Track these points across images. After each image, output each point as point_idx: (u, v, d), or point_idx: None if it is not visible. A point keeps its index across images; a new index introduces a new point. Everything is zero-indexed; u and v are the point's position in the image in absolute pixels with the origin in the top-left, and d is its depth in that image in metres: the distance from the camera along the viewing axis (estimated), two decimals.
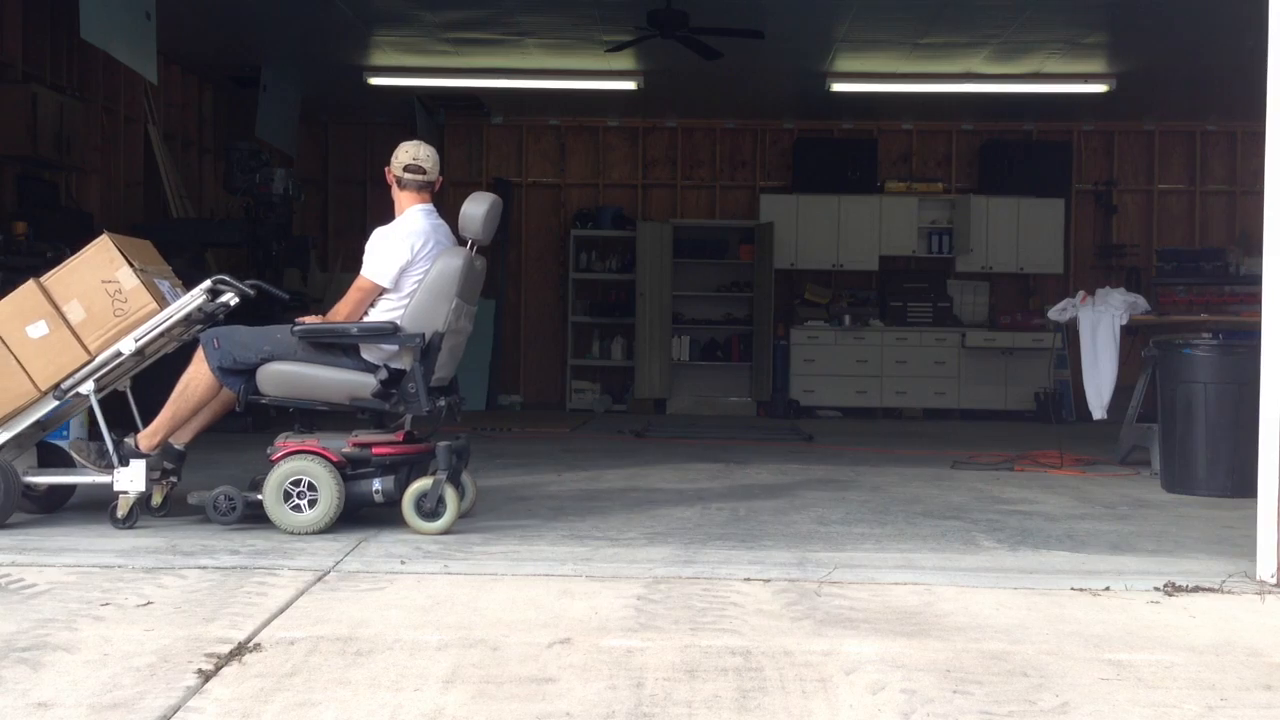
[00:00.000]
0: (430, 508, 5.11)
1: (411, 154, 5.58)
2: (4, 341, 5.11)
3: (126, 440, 5.23)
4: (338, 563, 4.50)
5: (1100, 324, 7.85)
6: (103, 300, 5.16)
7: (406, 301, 5.32)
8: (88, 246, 5.27)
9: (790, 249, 13.36)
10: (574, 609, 3.87)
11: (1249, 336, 6.26)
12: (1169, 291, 12.26)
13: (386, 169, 5.65)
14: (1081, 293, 8.23)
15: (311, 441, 5.20)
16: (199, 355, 5.33)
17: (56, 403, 5.16)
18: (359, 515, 5.53)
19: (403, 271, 5.35)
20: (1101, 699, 3.05)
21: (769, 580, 4.31)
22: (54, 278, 5.22)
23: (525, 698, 3.00)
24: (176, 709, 2.89)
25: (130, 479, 5.12)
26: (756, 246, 13.45)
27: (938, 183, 13.74)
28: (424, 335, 5.22)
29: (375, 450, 5.20)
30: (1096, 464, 8.04)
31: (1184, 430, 6.84)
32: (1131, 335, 8.16)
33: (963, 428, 11.88)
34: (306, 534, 5.04)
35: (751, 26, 9.40)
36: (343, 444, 5.20)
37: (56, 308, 5.15)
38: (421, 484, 5.15)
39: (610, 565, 4.55)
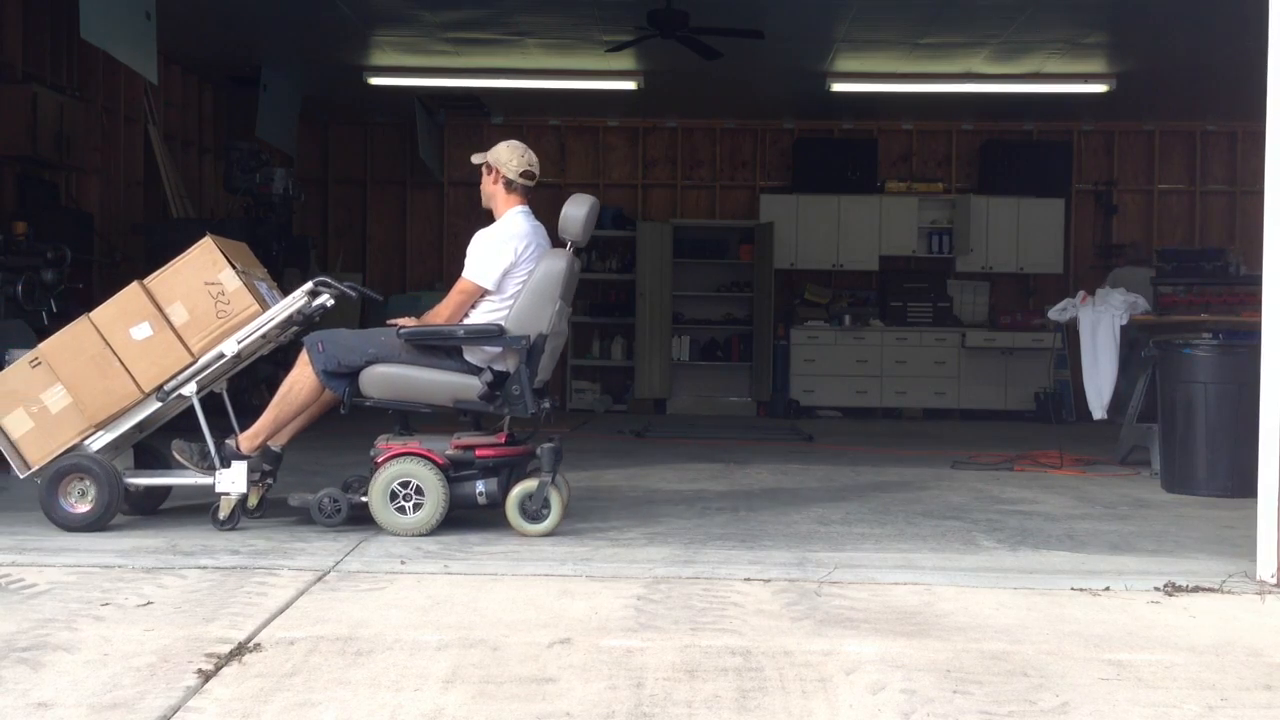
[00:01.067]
0: (536, 509, 5.14)
1: (526, 160, 5.60)
2: (108, 343, 5.11)
3: (227, 442, 5.23)
4: (338, 563, 4.50)
5: (1100, 324, 7.86)
6: (205, 302, 5.16)
7: (510, 303, 5.33)
8: (191, 248, 5.25)
9: (790, 249, 13.36)
10: (574, 609, 3.87)
11: (1249, 336, 6.27)
12: (1169, 292, 12.25)
13: (487, 167, 5.62)
14: (1081, 293, 8.23)
15: (416, 444, 5.20)
16: (303, 358, 5.32)
17: (159, 404, 5.16)
18: (361, 516, 5.54)
19: (506, 274, 5.36)
20: (1101, 699, 3.05)
21: (769, 580, 4.31)
22: (157, 279, 5.21)
23: (525, 698, 3.00)
24: (176, 709, 2.89)
25: (232, 480, 5.13)
26: (756, 246, 13.45)
27: (938, 183, 13.74)
28: (529, 337, 5.24)
29: (478, 452, 5.21)
30: (1096, 464, 8.04)
31: (1184, 430, 6.84)
32: (1131, 340, 8.16)
33: (963, 428, 11.88)
34: (413, 535, 5.04)
35: (751, 26, 9.40)
36: (445, 446, 5.21)
37: (160, 309, 5.15)
38: (526, 486, 5.16)
39: (610, 565, 4.55)
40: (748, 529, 5.39)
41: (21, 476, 5.16)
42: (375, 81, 11.84)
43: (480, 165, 5.65)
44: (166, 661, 3.23)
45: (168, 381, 5.12)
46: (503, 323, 5.27)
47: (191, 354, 5.14)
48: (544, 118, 13.95)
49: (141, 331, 5.12)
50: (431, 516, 5.08)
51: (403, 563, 4.52)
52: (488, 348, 5.28)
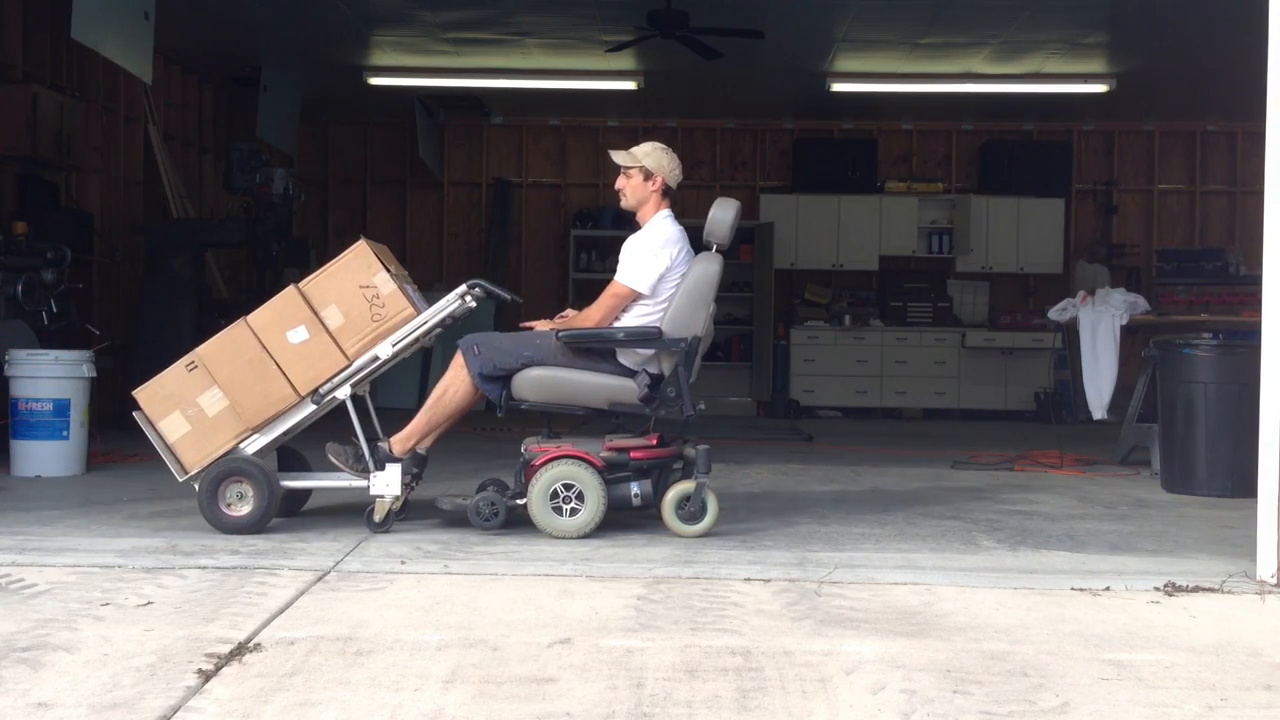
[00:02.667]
0: (693, 511, 5.16)
1: (678, 165, 5.63)
2: (265, 347, 5.11)
3: (380, 445, 5.23)
4: (338, 563, 4.50)
5: (1100, 324, 7.86)
6: (360, 305, 5.16)
7: (664, 307, 5.35)
8: (345, 252, 5.25)
9: (790, 249, 13.36)
10: (574, 609, 3.87)
11: (1249, 336, 6.27)
12: (1169, 291, 12.26)
13: (642, 171, 5.58)
14: (1081, 293, 8.23)
15: (570, 446, 5.21)
16: (458, 362, 5.33)
17: (314, 407, 5.16)
18: (361, 513, 5.54)
19: (661, 278, 5.38)
20: (1101, 699, 3.05)
21: (769, 580, 4.30)
22: (312, 283, 5.20)
23: (525, 698, 2.99)
24: (176, 709, 2.89)
25: (386, 483, 5.14)
26: (756, 246, 13.45)
27: (938, 183, 13.74)
28: (687, 339, 5.27)
29: (633, 454, 5.22)
30: (1096, 464, 8.04)
31: (1184, 430, 6.84)
32: (1131, 335, 8.16)
33: (962, 428, 11.88)
34: (571, 538, 5.05)
35: (751, 26, 9.40)
36: (599, 448, 5.22)
37: (315, 313, 5.15)
38: (683, 487, 5.18)
39: (610, 565, 4.55)
40: (748, 529, 5.39)
41: (180, 480, 5.16)
42: (375, 81, 11.83)
43: (625, 166, 5.64)
44: (166, 661, 3.23)
45: (323, 385, 5.13)
46: (657, 326, 5.30)
47: (347, 357, 5.14)
48: (544, 118, 13.95)
49: (298, 335, 5.12)
50: (592, 519, 5.10)
51: (403, 563, 4.52)
52: (640, 350, 5.32)
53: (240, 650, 3.33)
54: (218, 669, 3.17)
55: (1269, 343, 4.40)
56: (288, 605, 3.85)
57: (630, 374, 5.30)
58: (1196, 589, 4.23)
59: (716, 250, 5.44)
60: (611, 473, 5.16)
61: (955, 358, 13.11)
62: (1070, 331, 8.41)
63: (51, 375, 6.89)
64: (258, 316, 5.16)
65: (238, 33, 10.59)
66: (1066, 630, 3.69)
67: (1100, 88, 11.69)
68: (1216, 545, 5.11)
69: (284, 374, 5.10)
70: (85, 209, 9.75)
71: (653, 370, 5.30)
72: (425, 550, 4.77)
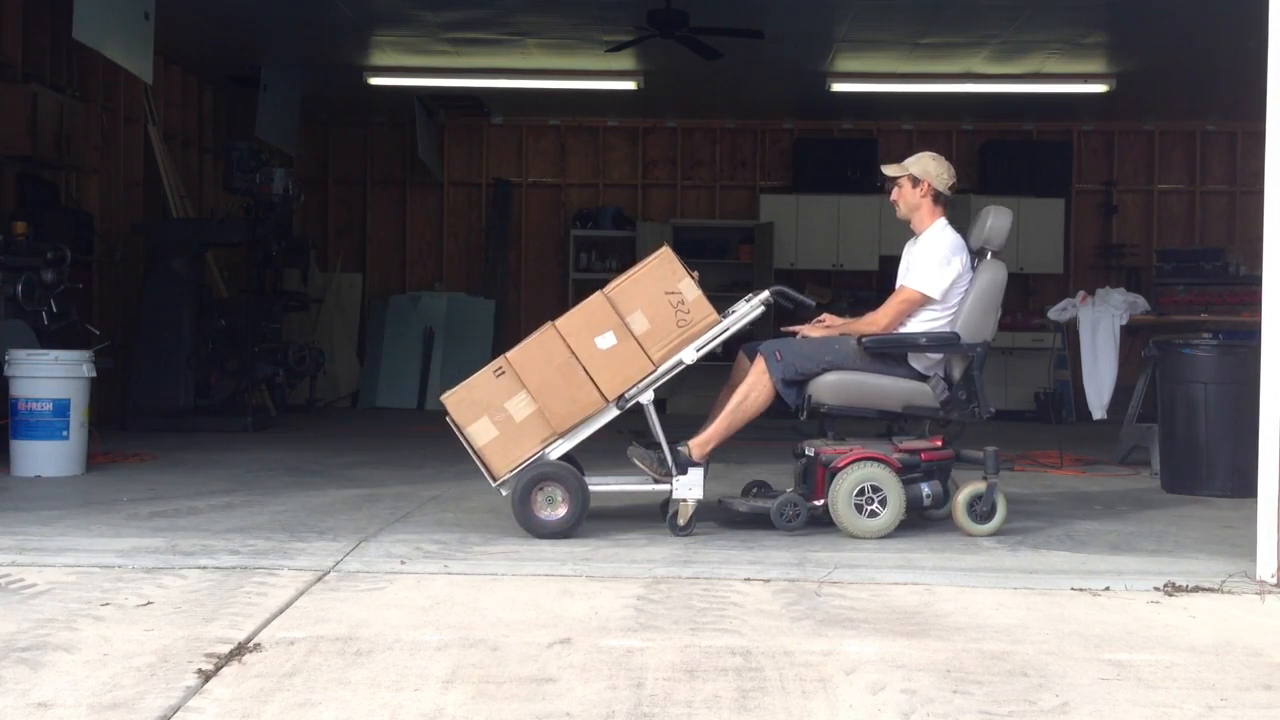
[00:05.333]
0: (984, 511, 5.25)
1: (952, 171, 5.72)
2: (574, 353, 5.14)
3: (679, 448, 5.26)
4: (338, 563, 4.50)
5: (1100, 324, 7.86)
6: (665, 311, 5.20)
7: (951, 313, 5.46)
8: (649, 258, 5.30)
9: (790, 249, 13.35)
10: (574, 609, 3.87)
11: (1249, 336, 6.27)
12: (1169, 291, 12.25)
13: (911, 179, 5.66)
14: (1081, 293, 8.23)
15: (861, 448, 5.28)
16: (759, 367, 5.35)
17: (616, 412, 5.19)
18: (361, 514, 5.55)
19: (953, 284, 5.47)
20: (1101, 699, 3.04)
21: (769, 580, 4.30)
22: (618, 289, 5.22)
23: (525, 698, 2.99)
24: (176, 709, 2.89)
25: (689, 487, 5.18)
26: (756, 246, 13.45)
27: None
28: (981, 344, 5.40)
29: (924, 456, 5.31)
30: (1096, 464, 8.04)
31: (1184, 430, 6.84)
32: (1131, 335, 8.16)
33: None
34: (874, 538, 5.12)
35: (751, 26, 9.40)
36: (889, 450, 5.30)
37: (622, 318, 5.18)
38: (974, 488, 5.28)
39: (610, 565, 4.55)
40: (747, 529, 5.39)
41: (492, 485, 5.18)
42: (375, 81, 11.84)
43: (896, 177, 5.72)
44: (166, 661, 3.23)
45: (629, 390, 5.16)
46: (949, 330, 5.42)
47: (652, 362, 5.18)
48: (544, 118, 13.95)
49: (606, 341, 5.16)
50: (895, 519, 5.17)
51: (403, 563, 4.52)
52: (931, 355, 5.42)
53: (240, 650, 3.33)
54: (218, 669, 3.17)
55: (1269, 343, 4.39)
56: (288, 605, 3.84)
57: (921, 378, 5.41)
58: (1196, 589, 4.22)
59: (993, 257, 5.55)
60: (905, 474, 5.25)
61: None
62: (1070, 331, 8.41)
63: (51, 375, 6.89)
64: (567, 322, 5.19)
65: (238, 33, 10.59)
66: (1066, 630, 3.68)
67: (1100, 88, 11.70)
68: (1216, 545, 5.10)
69: (592, 379, 5.14)
70: (85, 209, 9.75)
71: (939, 374, 5.43)
72: (425, 550, 4.77)
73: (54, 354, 6.98)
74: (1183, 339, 7.22)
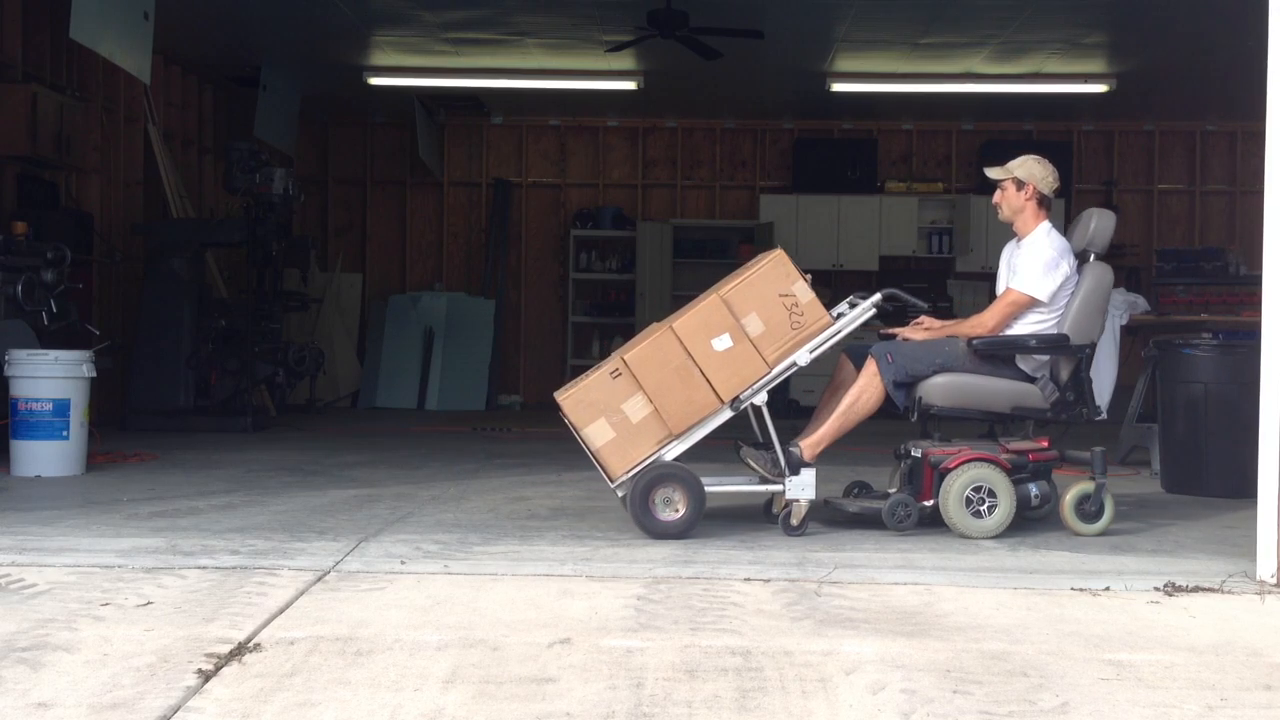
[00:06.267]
0: (1092, 510, 5.30)
1: (1055, 174, 5.80)
2: (690, 355, 5.16)
3: (791, 449, 5.28)
4: (338, 563, 4.50)
5: None
6: (780, 313, 5.23)
7: (1057, 315, 5.52)
8: (763, 261, 5.32)
9: (790, 249, 13.11)
10: (574, 609, 3.87)
11: (1249, 336, 6.27)
12: (1169, 291, 12.25)
13: (1016, 183, 5.79)
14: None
15: (969, 449, 5.31)
16: (870, 369, 5.41)
17: (730, 414, 5.21)
18: (361, 514, 5.55)
19: (1060, 287, 5.52)
20: (1101, 699, 3.04)
21: (769, 580, 4.30)
22: (733, 291, 5.25)
23: (525, 698, 2.99)
24: (176, 709, 2.89)
25: (802, 487, 5.22)
26: (756, 246, 13.42)
27: (938, 183, 13.74)
28: (1089, 346, 5.45)
29: (1031, 456, 5.35)
30: None
31: (1184, 430, 6.84)
32: (1131, 335, 8.16)
33: (963, 427, 11.84)
34: (986, 538, 5.17)
35: (751, 26, 9.40)
36: (998, 451, 5.34)
37: (737, 320, 5.20)
38: (1083, 488, 5.33)
39: (610, 565, 4.55)
40: (747, 529, 5.39)
41: (611, 487, 5.20)
42: (375, 81, 11.83)
43: (1000, 180, 5.83)
44: (166, 661, 3.23)
45: (743, 392, 5.18)
46: (1056, 332, 5.46)
47: (767, 364, 5.21)
48: (544, 118, 13.95)
49: (722, 343, 5.18)
50: (1005, 520, 5.22)
51: (403, 563, 4.52)
52: (1038, 356, 5.46)
53: (240, 650, 3.33)
54: (218, 669, 3.17)
55: (1269, 343, 4.39)
56: (288, 605, 3.85)
57: (1028, 379, 5.45)
58: (1196, 589, 4.23)
59: (1095, 259, 5.62)
60: (1014, 474, 5.29)
61: None
62: None
63: (51, 375, 6.89)
64: (684, 324, 5.21)
65: (238, 33, 10.59)
66: (1066, 630, 3.69)
67: (1100, 88, 11.69)
68: (1216, 545, 5.11)
69: (708, 381, 5.17)
70: (85, 209, 9.75)
71: (1045, 375, 5.46)
72: (425, 550, 4.77)
73: (54, 354, 6.98)
74: (1183, 339, 7.22)
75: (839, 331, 5.33)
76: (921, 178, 13.78)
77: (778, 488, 5.26)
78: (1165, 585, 4.25)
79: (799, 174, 13.67)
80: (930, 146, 14.01)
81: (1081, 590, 4.21)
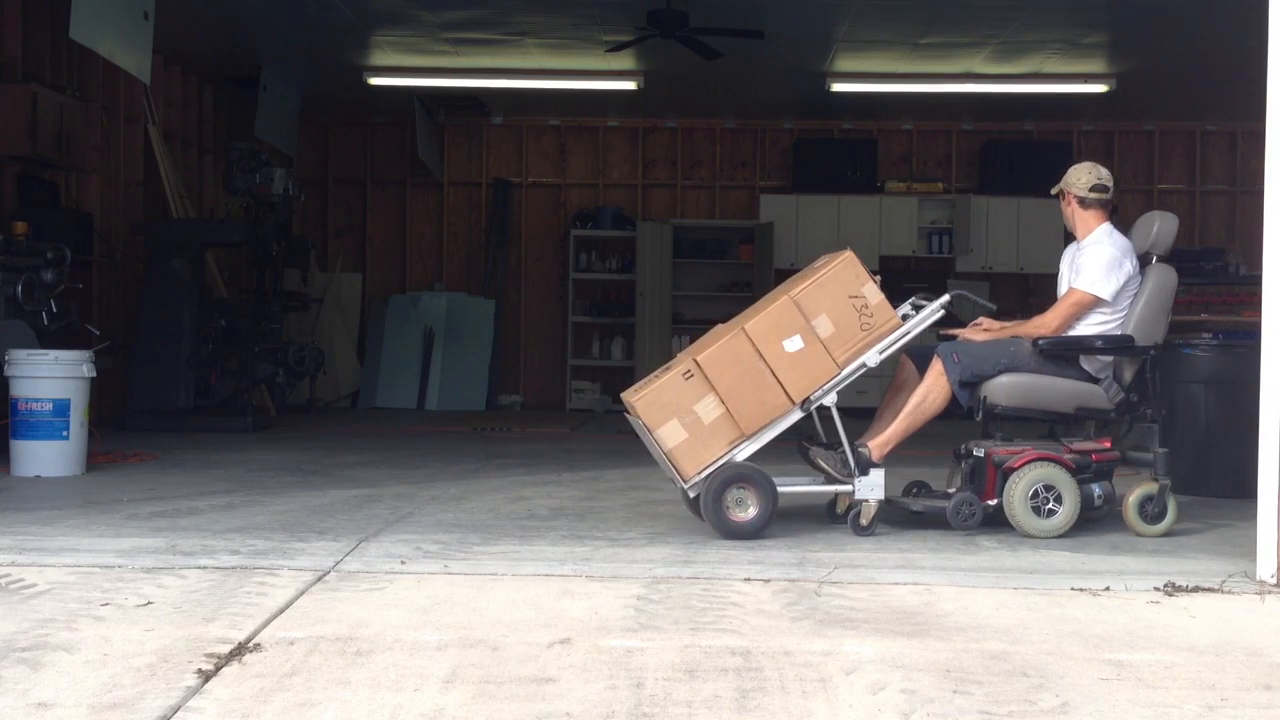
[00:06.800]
0: (1156, 512, 5.34)
1: (1095, 174, 5.79)
2: (762, 356, 5.19)
3: (860, 450, 5.31)
4: (338, 563, 4.50)
5: None
6: (849, 315, 5.27)
7: (1120, 315, 5.55)
8: (833, 263, 5.34)
9: (790, 249, 13.35)
10: (574, 609, 3.87)
11: (1249, 336, 6.27)
12: None
13: (1062, 194, 5.85)
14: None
15: (1033, 449, 5.33)
16: (936, 369, 5.44)
17: (799, 415, 5.24)
18: (361, 514, 5.55)
19: (1124, 286, 5.55)
20: (1101, 699, 3.05)
21: (769, 580, 4.31)
22: (804, 292, 5.27)
23: (525, 698, 2.99)
24: (176, 709, 2.89)
25: (871, 487, 5.26)
26: (756, 246, 13.45)
27: (938, 183, 13.74)
28: (1154, 346, 5.47)
29: (1095, 457, 5.38)
30: None
31: (1184, 430, 6.83)
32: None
33: (963, 427, 11.84)
34: (1051, 538, 5.19)
35: (751, 26, 9.40)
36: (1059, 450, 5.36)
37: (808, 322, 5.23)
38: (1146, 489, 5.37)
39: (610, 565, 4.55)
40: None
41: (683, 487, 5.21)
42: (375, 81, 11.83)
43: (1057, 193, 5.90)
44: (166, 661, 3.23)
45: (813, 392, 5.21)
46: (1119, 333, 5.49)
47: (837, 365, 5.24)
48: (544, 118, 13.95)
49: (794, 344, 5.21)
50: (1070, 519, 5.25)
51: (403, 563, 4.52)
52: (1102, 357, 5.49)
53: (240, 650, 3.33)
54: (218, 669, 3.17)
55: (1269, 343, 4.40)
56: (288, 605, 3.85)
57: (1092, 380, 5.47)
58: (1196, 589, 4.23)
59: (1158, 261, 5.65)
60: (1078, 474, 5.31)
61: None
62: None
63: (51, 375, 6.89)
64: (755, 325, 5.23)
65: (238, 33, 10.59)
66: (1066, 630, 3.69)
67: (1100, 88, 11.69)
68: (1216, 545, 5.11)
69: (779, 382, 5.19)
70: (85, 209, 9.75)
71: (1108, 376, 5.49)
72: (425, 550, 4.77)
73: (54, 354, 6.98)
74: (1183, 339, 7.22)
75: (908, 333, 5.37)
76: (921, 178, 13.78)
77: (847, 488, 5.29)
78: (1165, 585, 4.25)
79: (799, 174, 13.67)
80: (930, 146, 14.01)
81: (1081, 590, 4.21)
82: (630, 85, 11.82)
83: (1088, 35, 10.17)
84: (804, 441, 5.48)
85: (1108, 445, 5.45)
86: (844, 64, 11.27)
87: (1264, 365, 4.41)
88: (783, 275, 13.41)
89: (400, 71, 11.72)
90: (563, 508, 5.97)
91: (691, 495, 5.21)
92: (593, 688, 3.07)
